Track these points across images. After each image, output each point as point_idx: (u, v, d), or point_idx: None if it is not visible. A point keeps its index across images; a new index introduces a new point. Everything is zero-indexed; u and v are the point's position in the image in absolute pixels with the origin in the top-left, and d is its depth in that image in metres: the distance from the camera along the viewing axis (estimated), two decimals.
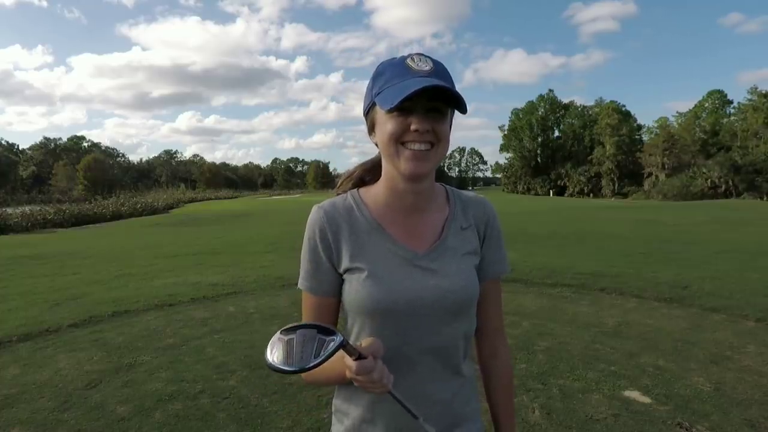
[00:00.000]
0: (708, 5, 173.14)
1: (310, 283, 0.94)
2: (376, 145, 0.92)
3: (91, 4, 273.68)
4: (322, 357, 0.69)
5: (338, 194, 1.01)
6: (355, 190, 1.00)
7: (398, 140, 0.85)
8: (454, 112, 0.90)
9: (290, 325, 0.74)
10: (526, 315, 4.84)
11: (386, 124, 0.86)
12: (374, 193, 0.97)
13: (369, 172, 1.02)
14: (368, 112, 0.92)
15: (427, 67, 0.85)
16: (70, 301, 5.78)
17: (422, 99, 0.82)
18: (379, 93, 0.86)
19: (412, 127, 0.83)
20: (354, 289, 0.90)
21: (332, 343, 0.71)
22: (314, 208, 0.95)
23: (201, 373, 3.53)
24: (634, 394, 3.09)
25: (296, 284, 0.99)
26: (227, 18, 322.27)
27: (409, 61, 0.86)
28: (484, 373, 1.07)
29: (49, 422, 2.83)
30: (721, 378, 3.32)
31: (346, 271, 0.92)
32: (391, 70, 0.87)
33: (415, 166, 0.85)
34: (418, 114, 0.83)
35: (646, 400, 3.01)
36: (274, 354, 0.71)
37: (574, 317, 4.82)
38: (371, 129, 0.93)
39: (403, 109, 0.83)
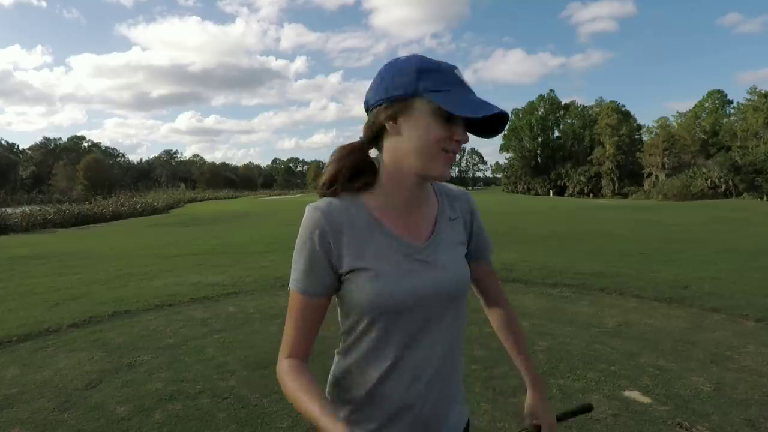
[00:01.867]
0: (706, 5, 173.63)
1: (305, 285, 0.92)
2: (384, 132, 0.91)
3: (90, 4, 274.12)
4: None
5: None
6: None
7: (441, 144, 0.88)
8: None
9: None
10: (526, 315, 4.84)
11: (434, 126, 0.87)
12: (366, 195, 0.95)
13: (358, 175, 0.94)
14: (402, 99, 0.88)
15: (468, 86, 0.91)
16: (70, 301, 5.78)
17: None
18: (435, 91, 0.86)
19: (456, 137, 0.88)
20: (361, 288, 0.90)
21: None
22: (310, 209, 0.92)
23: (201, 373, 3.53)
24: (634, 394, 3.09)
25: None
26: (226, 18, 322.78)
27: (457, 72, 0.89)
28: (502, 328, 1.19)
29: (49, 422, 2.83)
30: (721, 378, 3.32)
31: (350, 271, 0.91)
32: (444, 74, 0.88)
33: (447, 171, 0.90)
34: (462, 126, 0.89)
35: (646, 400, 3.01)
36: None
37: (574, 317, 4.82)
38: (394, 116, 0.89)
39: (451, 117, 0.87)
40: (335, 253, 0.91)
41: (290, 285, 0.95)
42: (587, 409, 1.21)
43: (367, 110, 0.94)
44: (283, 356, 0.94)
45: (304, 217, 0.93)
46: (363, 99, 0.96)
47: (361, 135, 0.97)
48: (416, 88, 0.86)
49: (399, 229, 0.94)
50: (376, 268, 0.90)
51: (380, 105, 0.90)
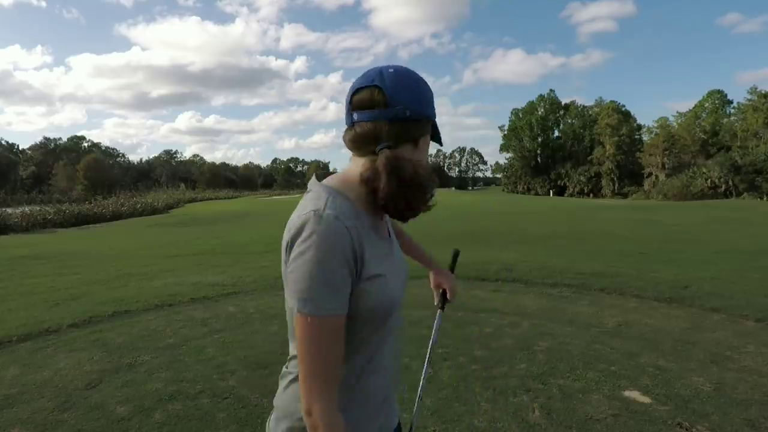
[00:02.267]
0: (706, 5, 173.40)
1: (342, 306, 0.84)
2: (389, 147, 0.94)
3: (90, 4, 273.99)
4: None
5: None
6: (333, 190, 0.92)
7: None
8: None
9: None
10: (526, 315, 4.84)
11: (428, 149, 1.01)
12: (357, 195, 0.93)
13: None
14: (428, 120, 0.98)
15: None
16: (70, 301, 5.78)
17: None
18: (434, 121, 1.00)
19: None
20: (374, 295, 0.89)
21: None
22: (328, 218, 0.84)
23: (201, 373, 3.53)
24: (634, 394, 3.09)
25: None
26: (226, 18, 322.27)
27: None
28: (408, 247, 1.36)
29: (49, 422, 2.83)
30: (721, 378, 3.32)
31: (367, 279, 0.87)
32: None
33: None
34: None
35: (646, 400, 3.01)
36: None
37: (574, 317, 4.82)
38: (423, 133, 0.97)
39: None
40: (360, 263, 0.86)
41: (316, 311, 0.81)
42: (457, 252, 1.54)
43: (405, 116, 0.91)
44: (326, 398, 0.81)
45: (323, 228, 0.83)
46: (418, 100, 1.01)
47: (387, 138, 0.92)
48: (432, 115, 0.98)
49: (381, 230, 0.99)
50: (386, 273, 0.92)
51: (422, 119, 0.96)
